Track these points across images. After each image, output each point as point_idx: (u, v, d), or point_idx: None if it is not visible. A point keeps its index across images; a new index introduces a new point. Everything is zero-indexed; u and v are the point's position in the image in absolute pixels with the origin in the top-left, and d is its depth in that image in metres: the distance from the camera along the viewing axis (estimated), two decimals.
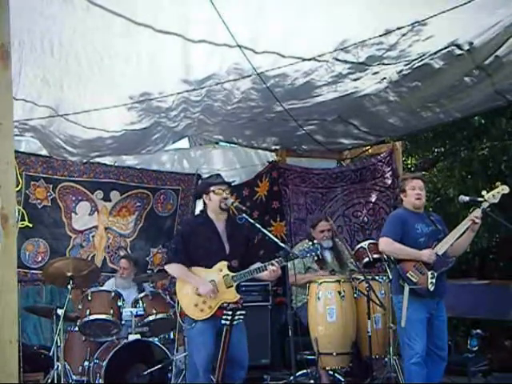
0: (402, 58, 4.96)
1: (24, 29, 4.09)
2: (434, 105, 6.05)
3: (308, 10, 4.14)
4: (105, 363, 5.25)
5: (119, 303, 5.61)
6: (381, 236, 4.71)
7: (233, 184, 4.73)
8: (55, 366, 5.29)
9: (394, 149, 7.28)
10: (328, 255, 5.93)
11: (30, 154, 6.76)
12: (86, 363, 5.53)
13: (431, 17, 4.24)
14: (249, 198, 7.40)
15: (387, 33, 4.49)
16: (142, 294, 5.78)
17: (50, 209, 6.87)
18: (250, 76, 5.02)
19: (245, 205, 6.13)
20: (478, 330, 5.86)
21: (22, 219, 6.54)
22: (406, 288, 4.45)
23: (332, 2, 4.11)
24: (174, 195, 7.44)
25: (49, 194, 6.88)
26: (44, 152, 6.68)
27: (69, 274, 5.51)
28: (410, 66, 5.13)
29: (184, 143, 8.09)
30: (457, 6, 4.06)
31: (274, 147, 7.61)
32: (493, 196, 4.45)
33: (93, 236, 7.04)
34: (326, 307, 5.24)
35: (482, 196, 4.47)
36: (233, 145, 7.69)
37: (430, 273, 4.47)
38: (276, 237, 4.77)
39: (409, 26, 4.40)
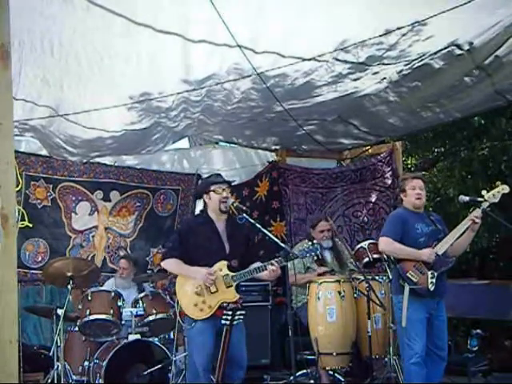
0: (401, 57, 4.96)
1: (24, 29, 4.09)
2: (433, 105, 6.05)
3: (308, 10, 4.14)
4: (105, 363, 5.24)
5: (119, 303, 5.61)
6: (381, 236, 4.71)
7: (233, 184, 4.73)
8: (55, 366, 5.29)
9: (394, 149, 7.28)
10: (328, 255, 5.93)
11: (30, 154, 6.76)
12: (86, 363, 5.53)
13: (431, 17, 4.24)
14: (249, 198, 7.40)
15: (387, 33, 4.49)
16: (142, 294, 5.78)
17: (50, 209, 6.87)
18: (250, 76, 5.02)
19: (245, 205, 6.12)
20: (478, 330, 5.86)
21: (22, 219, 6.54)
22: (407, 288, 4.45)
23: (332, 2, 4.11)
24: (173, 195, 7.44)
25: (49, 194, 6.88)
26: (44, 152, 6.68)
27: (69, 274, 5.51)
28: (410, 65, 5.13)
29: (184, 143, 8.10)
30: (457, 6, 4.06)
31: (274, 147, 7.61)
32: (493, 195, 4.45)
33: (93, 236, 7.04)
34: (325, 307, 5.24)
35: (482, 196, 4.47)
36: (233, 145, 7.69)
37: (430, 273, 4.47)
38: (276, 237, 4.77)
39: (409, 25, 4.40)
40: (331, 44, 4.64)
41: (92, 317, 5.47)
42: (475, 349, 5.74)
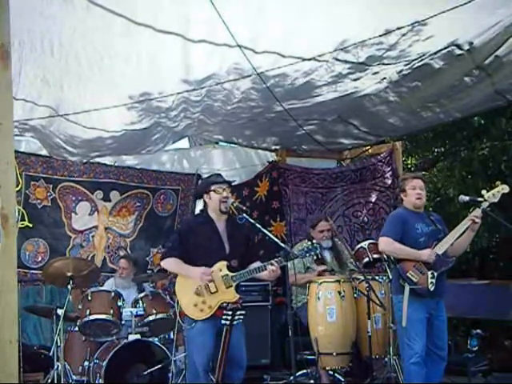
0: (402, 57, 4.96)
1: (24, 29, 4.09)
2: (434, 105, 6.05)
3: (308, 10, 4.14)
4: (105, 363, 5.25)
5: (119, 303, 5.61)
6: (381, 236, 4.71)
7: (233, 184, 4.73)
8: (55, 366, 5.29)
9: (394, 149, 7.28)
10: (327, 255, 5.93)
11: (30, 154, 6.76)
12: (86, 363, 5.53)
13: (431, 17, 4.24)
14: (249, 198, 7.40)
15: (387, 33, 4.49)
16: (142, 294, 5.78)
17: (50, 209, 6.88)
18: (250, 76, 5.02)
19: (245, 205, 6.12)
20: (478, 330, 5.86)
21: (22, 219, 6.54)
22: (407, 288, 4.45)
23: (332, 2, 4.11)
24: (173, 195, 7.44)
25: (49, 194, 6.88)
26: (44, 152, 6.68)
27: (69, 274, 5.51)
28: (410, 65, 5.13)
29: (184, 143, 8.09)
30: (457, 6, 4.06)
31: (274, 147, 7.60)
32: (493, 195, 4.45)
33: (93, 236, 7.04)
34: (325, 307, 5.24)
35: (482, 196, 4.47)
36: (233, 145, 7.68)
37: (430, 273, 4.47)
38: (276, 237, 4.77)
39: (409, 25, 4.40)
40: (331, 44, 4.64)
41: (92, 317, 5.47)
42: (475, 349, 5.74)
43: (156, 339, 5.62)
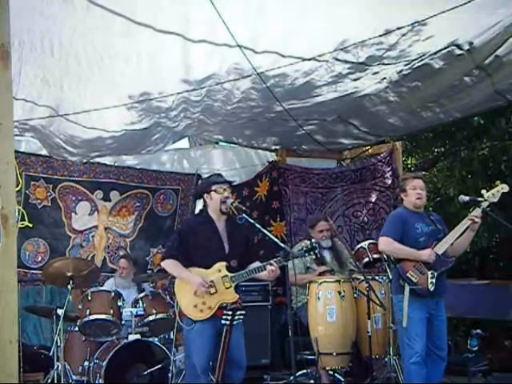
0: (402, 57, 4.96)
1: (24, 29, 4.09)
2: (434, 105, 6.05)
3: (308, 10, 4.14)
4: (105, 363, 5.25)
5: (119, 303, 5.61)
6: (381, 235, 4.71)
7: (233, 184, 4.74)
8: (55, 366, 5.29)
9: (394, 149, 7.28)
10: (327, 255, 5.93)
11: (30, 154, 6.76)
12: (86, 363, 5.53)
13: (431, 17, 4.24)
14: (249, 198, 7.40)
15: (387, 33, 4.49)
16: (142, 294, 5.78)
17: (50, 209, 6.87)
18: (250, 76, 5.02)
19: (245, 205, 6.13)
20: (478, 330, 5.86)
21: (22, 219, 6.54)
22: (407, 288, 4.45)
23: (332, 2, 4.11)
24: (173, 195, 7.44)
25: (49, 193, 6.88)
26: (44, 152, 6.68)
27: (69, 274, 5.51)
28: (410, 65, 5.13)
29: (184, 143, 8.09)
30: (457, 6, 4.06)
31: (274, 147, 7.60)
32: (492, 195, 4.45)
33: (93, 236, 7.04)
34: (325, 307, 5.24)
35: (482, 195, 4.47)
36: (233, 145, 7.68)
37: (429, 272, 4.47)
38: (276, 237, 4.77)
39: (409, 25, 4.40)
40: (331, 44, 4.64)
41: (92, 317, 5.47)
42: (475, 349, 5.74)
43: (156, 339, 5.62)
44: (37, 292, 6.66)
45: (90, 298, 5.54)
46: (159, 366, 5.38)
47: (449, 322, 4.74)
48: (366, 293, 5.14)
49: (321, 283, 5.31)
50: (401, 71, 5.25)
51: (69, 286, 5.47)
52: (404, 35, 4.55)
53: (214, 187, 4.50)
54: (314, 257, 5.51)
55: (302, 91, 5.47)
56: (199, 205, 5.90)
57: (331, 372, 5.33)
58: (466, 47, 4.81)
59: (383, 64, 5.04)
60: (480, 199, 4.47)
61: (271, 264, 4.29)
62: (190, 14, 4.10)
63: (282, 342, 6.07)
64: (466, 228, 4.46)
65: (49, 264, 5.86)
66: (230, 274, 4.34)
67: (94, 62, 4.63)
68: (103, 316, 5.50)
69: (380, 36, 4.52)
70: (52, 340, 5.55)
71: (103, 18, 3.98)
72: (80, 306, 5.56)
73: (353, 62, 4.95)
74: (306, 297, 5.49)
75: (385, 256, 5.19)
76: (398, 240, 4.56)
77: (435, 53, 4.90)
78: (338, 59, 4.87)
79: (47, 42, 4.31)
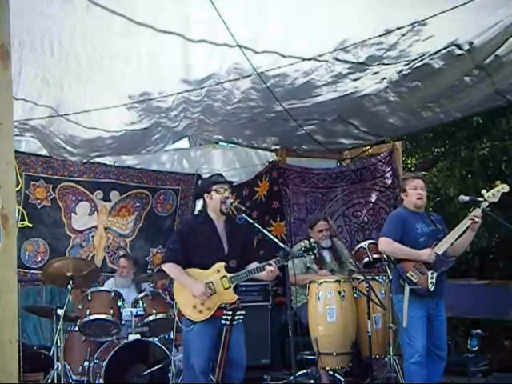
0: (402, 57, 4.96)
1: (24, 29, 4.09)
2: (434, 105, 6.05)
3: (308, 10, 4.14)
4: (105, 363, 5.24)
5: (119, 303, 5.61)
6: (381, 236, 4.71)
7: (233, 184, 4.73)
8: (55, 366, 5.29)
9: (394, 149, 7.28)
10: (327, 255, 5.93)
11: (30, 154, 6.76)
12: (86, 363, 5.53)
13: (431, 17, 4.24)
14: (249, 198, 7.39)
15: (387, 33, 4.49)
16: (142, 294, 5.78)
17: (50, 209, 6.87)
18: (250, 76, 5.02)
19: (244, 205, 6.13)
20: (478, 330, 5.86)
21: (22, 219, 6.54)
22: (407, 288, 4.45)
23: (332, 2, 4.11)
24: (173, 195, 7.44)
25: (49, 194, 6.88)
26: (44, 152, 6.68)
27: (69, 274, 5.51)
28: (410, 65, 5.13)
29: (184, 143, 8.10)
30: (457, 6, 4.06)
31: (274, 147, 7.60)
32: (493, 195, 4.45)
33: (92, 236, 7.04)
34: (325, 307, 5.24)
35: (482, 195, 4.47)
36: (233, 145, 7.69)
37: (429, 273, 4.47)
38: (276, 237, 4.78)
39: (409, 25, 4.40)
40: (331, 44, 4.64)
41: (92, 317, 5.47)
42: (475, 349, 5.74)
43: (156, 339, 5.62)
44: (37, 292, 6.66)
45: (89, 297, 5.54)
46: (159, 366, 5.38)
47: (449, 322, 4.74)
48: (366, 293, 5.14)
49: (321, 283, 5.31)
50: (401, 71, 5.25)
51: (69, 286, 5.47)
52: (404, 35, 4.55)
53: (214, 187, 4.50)
54: (312, 257, 5.51)
55: (302, 91, 5.47)
56: (199, 205, 5.91)
57: (331, 372, 5.33)
58: (466, 47, 4.81)
59: (383, 64, 5.04)
60: (480, 199, 4.47)
61: (270, 264, 4.28)
62: (190, 14, 4.10)
63: (282, 342, 6.07)
64: (466, 228, 4.47)
65: (49, 264, 5.86)
66: (228, 275, 4.33)
67: (94, 61, 4.63)
68: (103, 316, 5.50)
69: (380, 36, 4.52)
70: (52, 340, 5.56)
71: (103, 17, 3.98)
72: (80, 306, 5.56)
73: (353, 62, 4.95)
74: (305, 297, 5.48)
75: (385, 256, 5.19)
76: (398, 240, 4.56)
77: (435, 53, 4.90)
78: (337, 59, 4.87)
79: (47, 42, 4.31)
